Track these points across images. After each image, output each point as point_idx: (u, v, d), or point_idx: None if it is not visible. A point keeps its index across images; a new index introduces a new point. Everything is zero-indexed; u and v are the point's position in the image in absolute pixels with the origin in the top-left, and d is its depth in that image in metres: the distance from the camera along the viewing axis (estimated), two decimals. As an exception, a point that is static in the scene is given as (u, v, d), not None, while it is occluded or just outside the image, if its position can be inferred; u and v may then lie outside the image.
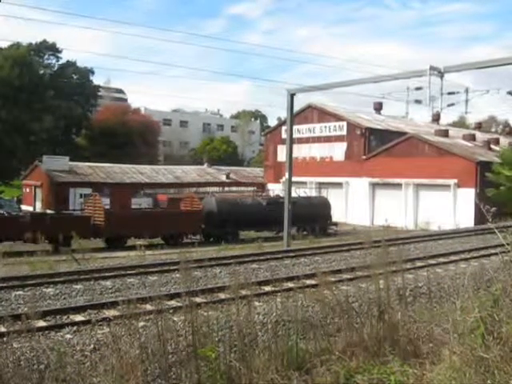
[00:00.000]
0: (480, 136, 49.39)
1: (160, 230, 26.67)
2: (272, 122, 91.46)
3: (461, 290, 5.60)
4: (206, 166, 52.18)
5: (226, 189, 46.31)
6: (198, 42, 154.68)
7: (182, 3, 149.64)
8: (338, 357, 6.27)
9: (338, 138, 43.37)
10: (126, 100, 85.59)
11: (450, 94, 20.91)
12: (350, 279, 12.85)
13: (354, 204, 40.74)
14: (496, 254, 12.45)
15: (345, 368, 5.93)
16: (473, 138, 46.36)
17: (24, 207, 40.14)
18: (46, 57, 65.02)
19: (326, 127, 44.48)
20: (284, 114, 34.29)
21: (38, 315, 8.44)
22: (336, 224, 34.70)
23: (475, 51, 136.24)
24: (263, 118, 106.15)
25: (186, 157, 71.79)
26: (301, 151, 43.55)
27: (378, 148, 40.77)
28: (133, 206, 37.46)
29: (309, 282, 12.03)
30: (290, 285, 12.24)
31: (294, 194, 26.71)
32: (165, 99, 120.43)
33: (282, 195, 31.11)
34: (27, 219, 23.82)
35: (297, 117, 36.14)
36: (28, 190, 42.90)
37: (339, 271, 13.73)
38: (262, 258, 17.38)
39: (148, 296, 10.03)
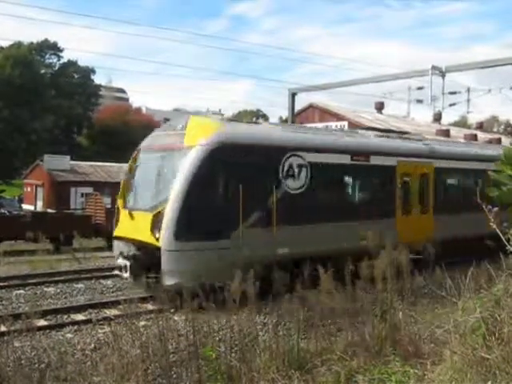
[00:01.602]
0: (481, 136, 49.33)
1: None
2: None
3: (462, 291, 5.59)
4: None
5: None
6: (200, 42, 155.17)
7: (183, 3, 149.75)
8: (339, 357, 6.27)
9: (339, 138, 43.31)
10: (127, 99, 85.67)
11: (451, 93, 20.91)
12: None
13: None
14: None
15: (346, 368, 5.93)
16: (474, 137, 46.27)
17: (25, 206, 40.15)
18: (47, 56, 65.15)
19: (327, 127, 44.46)
20: (285, 114, 34.32)
21: (38, 314, 8.45)
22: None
23: (476, 51, 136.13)
24: (264, 118, 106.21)
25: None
26: (302, 151, 43.49)
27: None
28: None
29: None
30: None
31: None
32: (166, 99, 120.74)
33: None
34: (28, 218, 23.80)
35: (298, 116, 36.11)
36: (29, 189, 42.91)
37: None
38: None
39: (149, 295, 10.06)
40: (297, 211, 10.99)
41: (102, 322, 8.79)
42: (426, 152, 14.83)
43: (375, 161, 12.84)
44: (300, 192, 11.15)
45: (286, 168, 10.98)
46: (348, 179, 12.86)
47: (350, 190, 13.05)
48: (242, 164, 10.36)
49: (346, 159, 12.18)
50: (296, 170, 11.14)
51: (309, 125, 44.94)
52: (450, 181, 16.26)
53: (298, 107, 30.74)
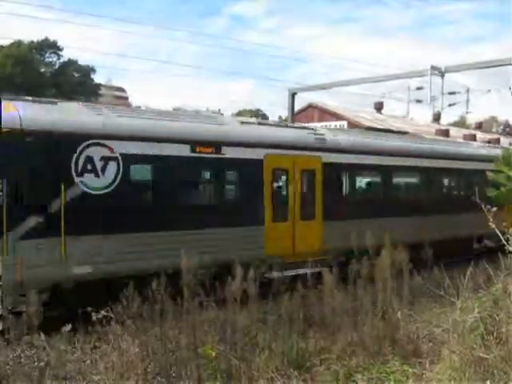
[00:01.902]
0: (481, 136, 49.37)
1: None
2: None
3: (461, 290, 5.61)
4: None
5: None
6: (200, 41, 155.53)
7: (182, 2, 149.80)
8: (338, 356, 6.29)
9: (339, 138, 43.26)
10: (127, 98, 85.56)
11: (450, 93, 20.94)
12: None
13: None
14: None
15: (345, 367, 5.95)
16: (473, 137, 46.31)
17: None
18: (48, 55, 65.07)
19: (326, 126, 44.47)
20: (285, 114, 34.40)
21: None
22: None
23: (476, 51, 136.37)
24: (264, 117, 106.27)
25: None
26: (301, 150, 43.40)
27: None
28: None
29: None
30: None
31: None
32: (166, 98, 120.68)
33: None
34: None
35: (297, 116, 36.14)
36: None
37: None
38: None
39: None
40: (102, 218, 8.65)
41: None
42: (312, 143, 11.89)
43: (230, 153, 10.33)
44: (107, 193, 8.73)
45: (81, 161, 8.48)
46: (187, 176, 10.13)
47: (189, 190, 10.47)
48: (6, 155, 7.98)
49: (183, 150, 9.70)
50: (99, 165, 8.65)
51: (308, 124, 45.15)
52: (353, 179, 13.06)
53: (297, 107, 30.79)
